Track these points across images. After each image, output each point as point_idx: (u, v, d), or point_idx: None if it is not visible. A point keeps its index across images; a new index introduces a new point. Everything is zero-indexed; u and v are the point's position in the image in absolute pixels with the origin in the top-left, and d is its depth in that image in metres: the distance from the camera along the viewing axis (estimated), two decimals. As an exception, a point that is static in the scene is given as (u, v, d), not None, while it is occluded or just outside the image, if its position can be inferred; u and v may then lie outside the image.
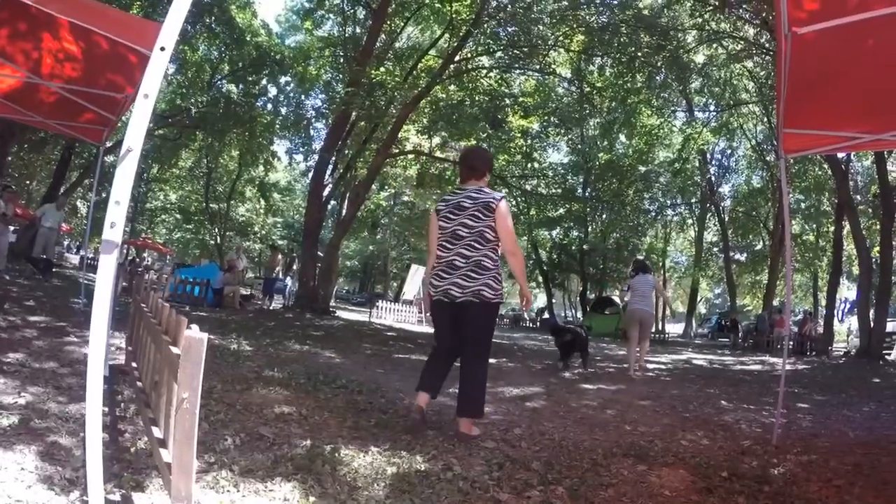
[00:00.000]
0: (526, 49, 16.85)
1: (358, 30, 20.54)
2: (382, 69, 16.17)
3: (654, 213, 33.01)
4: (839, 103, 4.46)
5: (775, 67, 4.42)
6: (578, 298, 35.53)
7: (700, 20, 18.54)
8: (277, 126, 24.10)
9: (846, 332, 30.61)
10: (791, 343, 20.23)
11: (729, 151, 32.12)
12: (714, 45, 20.39)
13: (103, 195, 26.56)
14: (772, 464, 3.94)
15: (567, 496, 2.96)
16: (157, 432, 2.50)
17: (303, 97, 25.52)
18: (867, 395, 8.24)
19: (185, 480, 2.05)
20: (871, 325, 17.43)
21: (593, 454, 3.84)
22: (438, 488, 2.91)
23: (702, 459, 3.88)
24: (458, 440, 3.85)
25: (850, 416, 6.28)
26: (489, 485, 3.04)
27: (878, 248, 19.46)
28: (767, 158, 25.41)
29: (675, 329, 40.44)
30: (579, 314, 33.34)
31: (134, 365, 3.97)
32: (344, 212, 20.93)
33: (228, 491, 2.59)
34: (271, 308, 16.88)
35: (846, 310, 29.42)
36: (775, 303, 25.83)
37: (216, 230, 36.29)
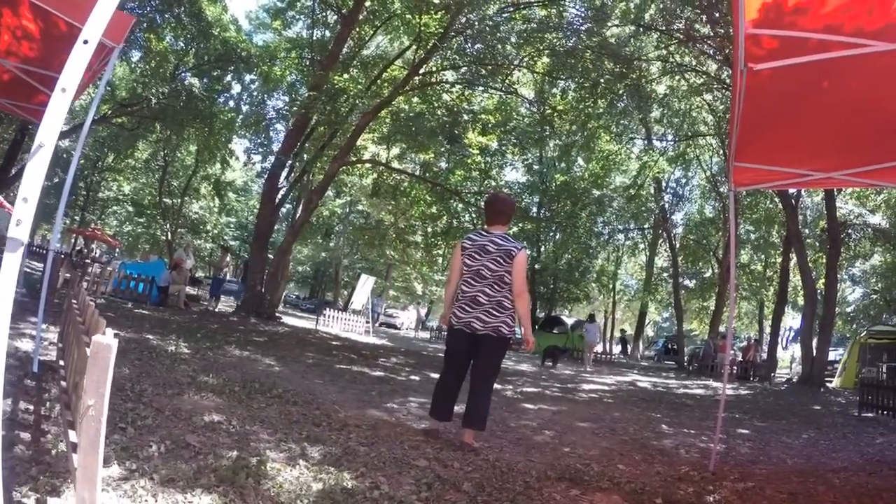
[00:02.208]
0: (490, 67, 16.94)
1: (327, 34, 20.38)
2: (346, 76, 16.04)
3: (606, 237, 33.43)
4: (791, 140, 4.53)
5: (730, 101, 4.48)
6: (527, 316, 35.64)
7: (664, 52, 18.89)
8: (238, 124, 23.72)
9: (790, 359, 31.45)
10: (735, 368, 20.91)
11: (684, 181, 32.76)
12: (676, 77, 20.76)
13: (54, 180, 25.86)
14: (707, 490, 3.95)
15: (496, 520, 2.90)
16: (73, 436, 2.35)
17: (265, 97, 25.24)
18: (807, 423, 8.37)
19: (90, 489, 1.93)
20: (814, 353, 17.88)
21: (527, 476, 3.78)
22: (362, 507, 2.82)
23: (637, 485, 3.87)
24: (461, 449, 4.26)
25: (789, 444, 6.36)
26: (415, 504, 2.96)
27: (823, 280, 20.00)
28: (721, 189, 25.91)
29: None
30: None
31: (62, 363, 3.79)
32: (297, 216, 20.66)
33: (146, 501, 2.48)
34: (217, 310, 16.53)
35: (790, 338, 30.22)
36: (721, 329, 26.35)
37: (168, 226, 35.42)
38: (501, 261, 4.55)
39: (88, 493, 1.92)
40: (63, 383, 3.28)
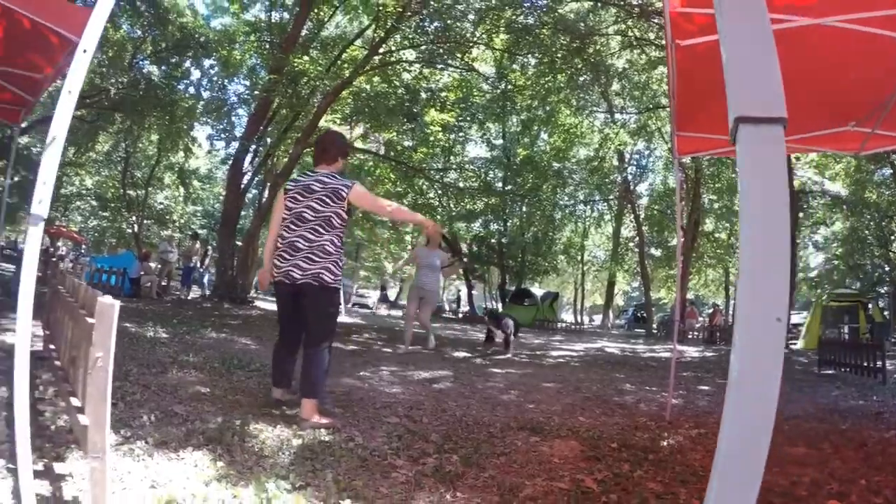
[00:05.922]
0: (449, 45, 17.02)
1: (286, 16, 20.22)
2: (306, 58, 16.02)
3: (571, 209, 33.84)
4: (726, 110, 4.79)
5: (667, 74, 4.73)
6: (498, 290, 35.94)
7: (623, 26, 19.03)
8: (199, 111, 23.41)
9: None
10: (701, 333, 22.10)
11: (647, 152, 33.07)
12: (635, 51, 20.87)
13: (15, 178, 25.29)
14: (662, 437, 4.21)
15: (460, 463, 3.18)
16: (76, 402, 2.59)
17: (226, 82, 24.95)
18: (767, 379, 8.73)
19: (100, 434, 2.14)
20: (777, 318, 18.57)
21: (491, 428, 4.06)
22: (339, 455, 3.09)
23: (595, 433, 4.14)
24: (299, 424, 3.69)
25: (746, 398, 6.67)
26: (387, 453, 3.23)
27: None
28: (683, 161, 26.28)
29: (593, 320, 41.69)
30: (499, 305, 33.78)
31: (52, 347, 3.98)
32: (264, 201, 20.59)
33: (143, 459, 2.72)
34: (189, 298, 16.56)
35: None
36: (689, 296, 27.01)
37: (134, 218, 34.86)
38: (329, 201, 4.02)
39: (99, 438, 2.13)
40: (57, 363, 3.47)
